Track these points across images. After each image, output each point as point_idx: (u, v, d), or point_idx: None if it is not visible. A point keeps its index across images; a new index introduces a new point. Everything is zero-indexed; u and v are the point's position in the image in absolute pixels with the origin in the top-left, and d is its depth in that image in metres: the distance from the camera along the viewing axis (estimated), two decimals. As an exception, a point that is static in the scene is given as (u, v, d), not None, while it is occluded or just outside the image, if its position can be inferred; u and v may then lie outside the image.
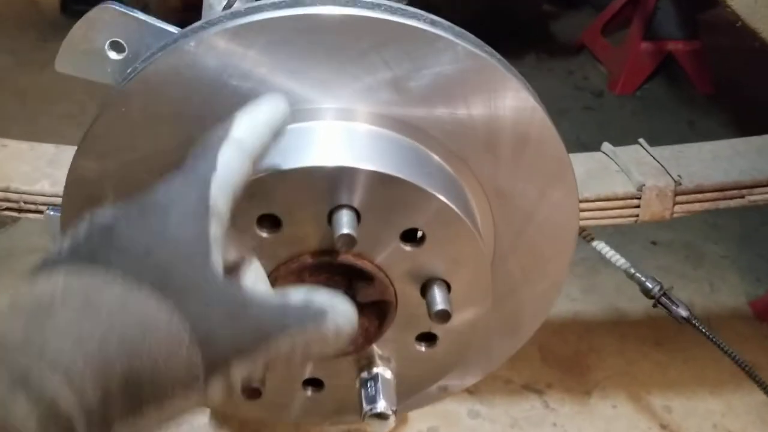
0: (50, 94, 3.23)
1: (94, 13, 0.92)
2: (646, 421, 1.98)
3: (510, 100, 0.89)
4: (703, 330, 1.36)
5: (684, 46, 3.46)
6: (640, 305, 2.31)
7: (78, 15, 3.42)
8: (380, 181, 0.82)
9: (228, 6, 1.16)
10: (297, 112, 0.86)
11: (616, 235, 2.71)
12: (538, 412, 1.98)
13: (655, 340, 2.22)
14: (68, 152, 1.36)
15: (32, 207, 1.29)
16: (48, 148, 1.36)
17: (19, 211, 1.29)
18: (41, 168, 1.32)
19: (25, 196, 1.28)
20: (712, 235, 2.70)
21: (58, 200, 1.25)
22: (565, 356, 2.15)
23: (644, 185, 1.36)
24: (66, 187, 0.92)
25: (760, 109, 2.91)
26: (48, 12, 3.90)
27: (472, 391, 2.00)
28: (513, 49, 3.73)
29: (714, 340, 1.36)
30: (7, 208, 1.29)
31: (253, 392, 0.90)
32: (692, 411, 2.02)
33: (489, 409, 1.97)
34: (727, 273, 2.53)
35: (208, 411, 1.88)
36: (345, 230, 0.79)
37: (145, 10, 3.65)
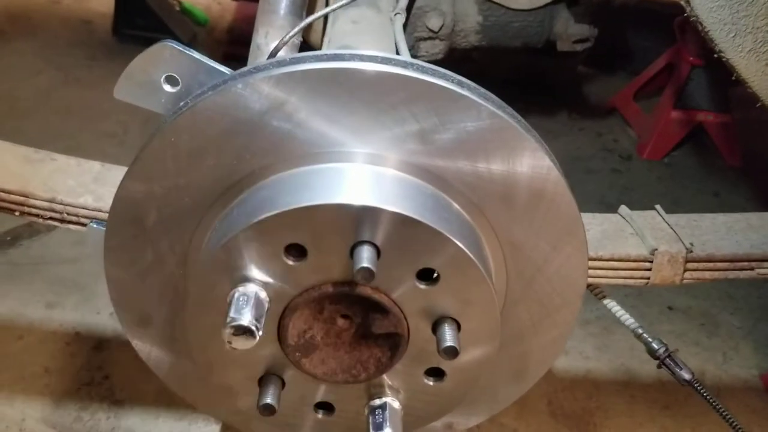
0: (95, 113, 3.35)
1: (154, 49, 1.01)
2: (647, 483, 2.00)
3: (527, 158, 0.96)
4: (705, 394, 1.39)
5: (714, 118, 3.50)
6: (651, 367, 2.29)
7: (129, 38, 3.59)
8: (401, 222, 0.89)
9: (274, 52, 1.25)
10: (330, 154, 0.94)
11: (633, 296, 2.75)
12: (541, 464, 2.01)
13: (664, 403, 2.24)
14: (113, 170, 1.44)
15: (74, 219, 1.37)
16: (94, 165, 1.45)
17: (62, 221, 1.37)
18: (86, 184, 1.40)
19: (68, 208, 1.36)
20: (730, 305, 2.72)
21: (100, 215, 1.34)
22: (573, 412, 2.17)
23: (657, 250, 1.41)
24: (113, 204, 1.01)
25: (786, 184, 2.95)
26: (100, 33, 4.05)
27: (480, 439, 2.03)
28: (547, 106, 3.83)
29: (715, 404, 1.39)
30: (51, 218, 1.37)
31: (268, 409, 0.96)
32: (692, 478, 2.03)
33: (493, 457, 2.00)
34: (741, 344, 2.55)
35: (218, 428, 1.94)
36: (365, 264, 0.86)
37: (193, 40, 3.78)
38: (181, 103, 0.98)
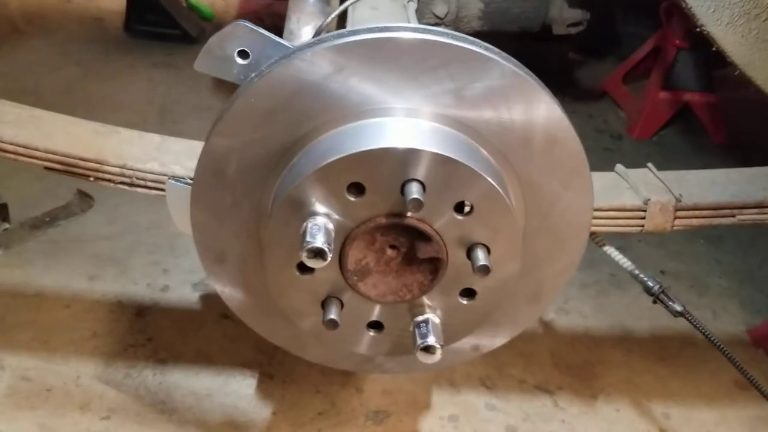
0: (114, 104, 3.53)
1: (229, 28, 1.20)
2: (646, 424, 2.19)
3: (543, 110, 1.16)
4: (696, 324, 1.60)
5: (700, 98, 3.70)
6: (646, 324, 2.55)
7: (140, 34, 3.83)
8: (442, 161, 1.09)
9: (318, 32, 1.45)
10: (380, 110, 1.14)
11: (630, 260, 2.94)
12: (548, 410, 2.20)
13: (659, 356, 2.43)
14: (170, 141, 1.63)
15: (142, 183, 1.55)
16: (154, 137, 1.63)
17: (131, 185, 1.55)
18: (150, 152, 1.58)
19: (137, 173, 1.54)
20: (718, 269, 2.92)
21: (164, 179, 1.53)
22: (575, 364, 2.37)
23: (649, 200, 1.61)
24: (200, 157, 1.20)
25: (768, 158, 3.14)
26: (112, 30, 4.24)
27: (489, 387, 2.23)
28: (540, 92, 4.00)
29: (705, 332, 1.59)
30: (121, 182, 1.55)
31: (332, 323, 1.16)
32: (689, 419, 2.23)
33: (504, 404, 2.19)
34: (729, 304, 2.74)
35: (254, 383, 2.13)
36: (414, 195, 1.06)
37: (201, 35, 3.96)
38: (254, 73, 1.17)
